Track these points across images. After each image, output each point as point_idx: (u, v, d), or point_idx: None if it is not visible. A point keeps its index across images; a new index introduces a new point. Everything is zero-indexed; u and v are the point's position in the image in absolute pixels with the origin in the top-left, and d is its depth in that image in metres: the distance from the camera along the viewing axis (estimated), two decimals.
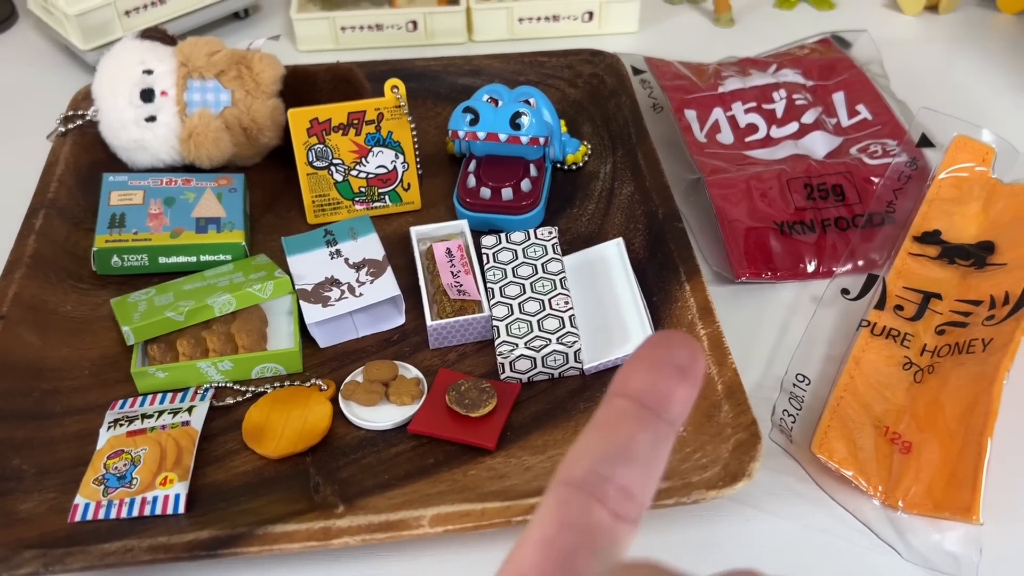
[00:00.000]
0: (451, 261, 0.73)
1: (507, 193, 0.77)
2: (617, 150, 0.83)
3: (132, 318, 0.68)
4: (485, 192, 0.77)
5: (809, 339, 0.69)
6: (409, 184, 0.80)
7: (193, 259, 0.75)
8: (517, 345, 0.65)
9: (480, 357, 0.68)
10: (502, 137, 0.75)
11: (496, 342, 0.66)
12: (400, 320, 0.71)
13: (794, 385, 0.65)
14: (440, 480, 0.60)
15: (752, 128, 0.86)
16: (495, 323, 0.67)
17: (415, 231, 0.75)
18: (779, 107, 0.86)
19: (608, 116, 0.86)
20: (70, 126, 0.83)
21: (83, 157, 0.82)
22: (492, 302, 0.68)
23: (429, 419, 0.64)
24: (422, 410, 0.64)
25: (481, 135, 0.76)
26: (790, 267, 0.74)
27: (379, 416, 0.64)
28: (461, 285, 0.71)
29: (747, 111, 0.87)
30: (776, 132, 0.85)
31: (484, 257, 0.72)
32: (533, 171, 0.79)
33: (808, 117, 0.85)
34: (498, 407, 0.64)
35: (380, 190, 0.80)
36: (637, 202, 0.77)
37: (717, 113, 0.87)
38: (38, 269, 0.73)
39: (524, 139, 0.75)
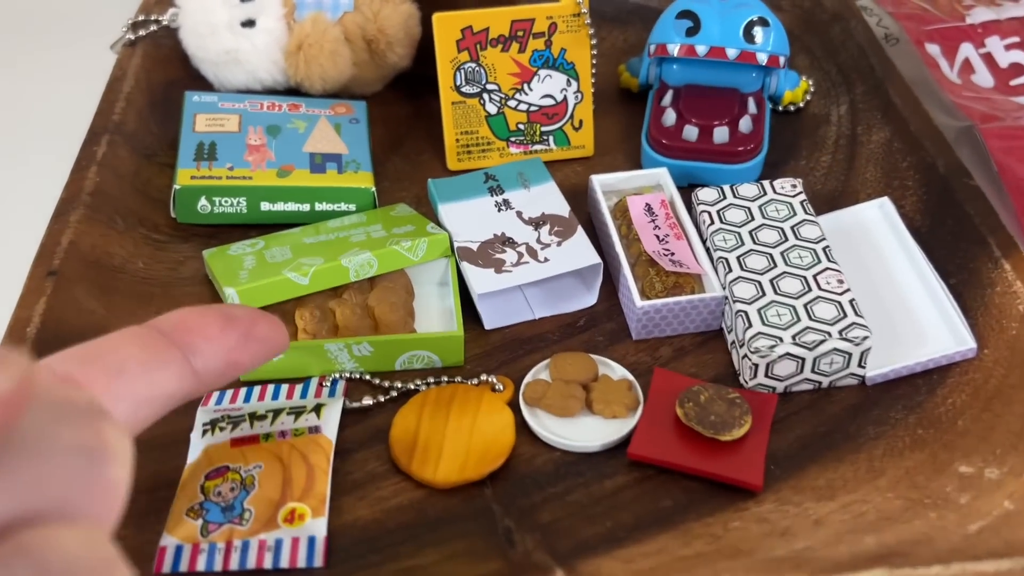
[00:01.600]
0: (653, 221, 0.54)
1: (721, 134, 0.58)
2: (854, 87, 0.63)
3: (238, 277, 0.49)
4: (690, 132, 0.58)
5: None
6: (581, 122, 0.61)
7: (306, 207, 0.56)
8: (780, 340, 0.46)
9: (705, 354, 0.49)
10: (731, 53, 0.56)
11: (742, 333, 0.47)
12: (591, 299, 0.52)
13: None
14: (692, 535, 0.41)
15: (1017, 69, 0.66)
16: (740, 307, 0.48)
17: (598, 180, 0.56)
18: None
19: (833, 46, 0.66)
20: (141, 33, 0.64)
21: (157, 73, 0.64)
22: (729, 277, 0.49)
23: (656, 440, 0.45)
24: (642, 427, 0.45)
25: (702, 49, 0.56)
26: None
27: (581, 432, 0.46)
28: (673, 253, 0.52)
29: (1008, 48, 0.67)
30: None
31: (704, 216, 0.53)
32: (752, 106, 0.60)
33: None
34: (753, 428, 0.45)
35: (543, 128, 0.61)
36: (898, 152, 0.58)
37: (967, 49, 0.68)
38: (100, 211, 0.54)
39: (762, 57, 0.56)
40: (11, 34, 0.79)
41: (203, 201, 0.55)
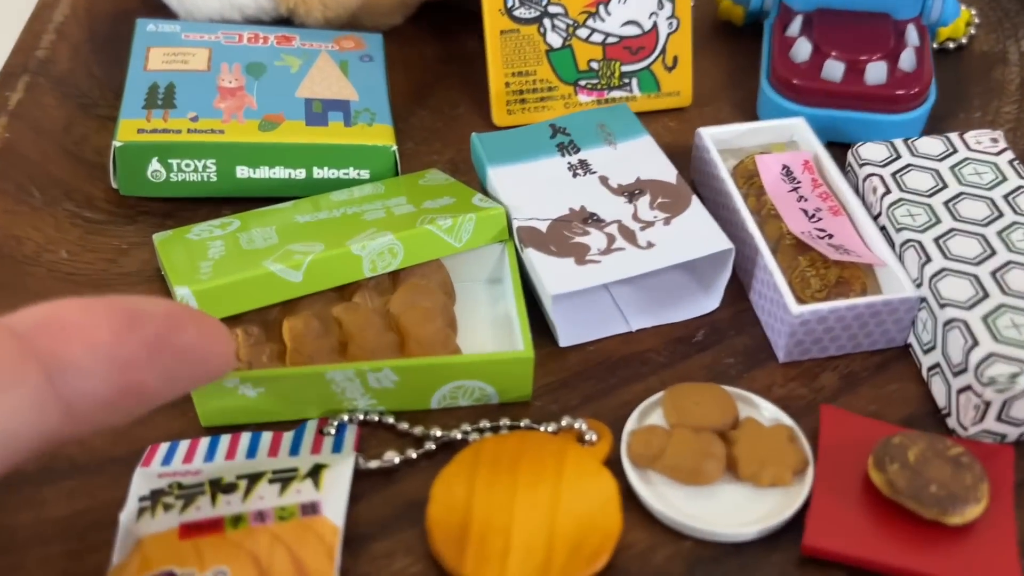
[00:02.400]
0: (796, 190, 0.38)
1: (876, 72, 0.41)
2: None
3: (196, 272, 0.33)
4: (833, 69, 0.42)
5: None
6: (676, 59, 0.45)
7: (300, 174, 0.40)
8: None
9: (885, 383, 0.33)
10: None
11: (960, 354, 0.31)
12: (711, 303, 0.36)
13: None
14: None
15: None
16: (953, 313, 0.31)
17: (708, 134, 0.40)
18: None
19: None
20: None
21: (101, 1, 0.48)
22: (929, 269, 0.33)
23: (843, 524, 0.29)
24: (818, 500, 0.29)
25: None
26: None
27: (724, 509, 0.30)
28: (831, 235, 0.36)
29: None
30: None
31: (874, 182, 0.37)
32: (914, 36, 0.43)
33: None
34: (992, 501, 0.29)
35: (625, 67, 0.45)
36: None
37: None
38: (8, 179, 0.38)
39: None
40: None
41: (155, 164, 0.39)
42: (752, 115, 0.45)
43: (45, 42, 0.44)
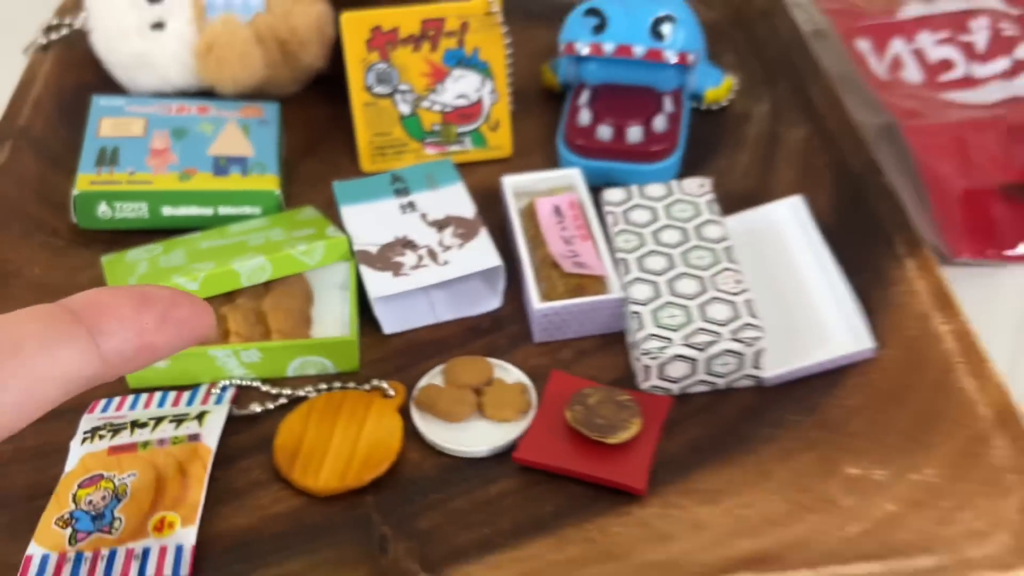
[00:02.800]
0: (561, 223, 0.53)
1: (635, 133, 0.57)
2: (777, 84, 0.62)
3: (125, 284, 0.48)
4: (604, 132, 0.57)
5: None
6: (498, 122, 0.60)
7: (209, 211, 0.55)
8: (671, 340, 0.45)
9: (606, 356, 0.48)
10: (638, 51, 0.55)
11: (635, 335, 0.46)
12: (495, 302, 0.51)
13: None
14: (568, 540, 0.40)
15: (946, 65, 0.65)
16: (634, 307, 0.46)
17: (509, 182, 0.55)
18: (979, 39, 0.66)
19: (758, 43, 0.66)
20: (53, 37, 0.64)
21: (68, 78, 0.63)
22: (627, 278, 0.48)
23: (543, 444, 0.44)
24: (532, 430, 0.44)
25: (609, 47, 0.56)
26: (1021, 242, 0.54)
27: (470, 437, 0.45)
28: (578, 255, 0.51)
29: (938, 43, 0.66)
30: (980, 70, 0.64)
31: (609, 218, 0.52)
32: (668, 105, 0.59)
33: (1022, 52, 0.65)
34: (644, 431, 0.44)
35: (459, 129, 0.60)
36: (815, 150, 0.57)
37: (897, 45, 0.66)
38: None
39: (670, 55, 0.55)
40: None
41: (103, 206, 0.54)
42: (555, 163, 0.60)
43: (25, 113, 0.59)
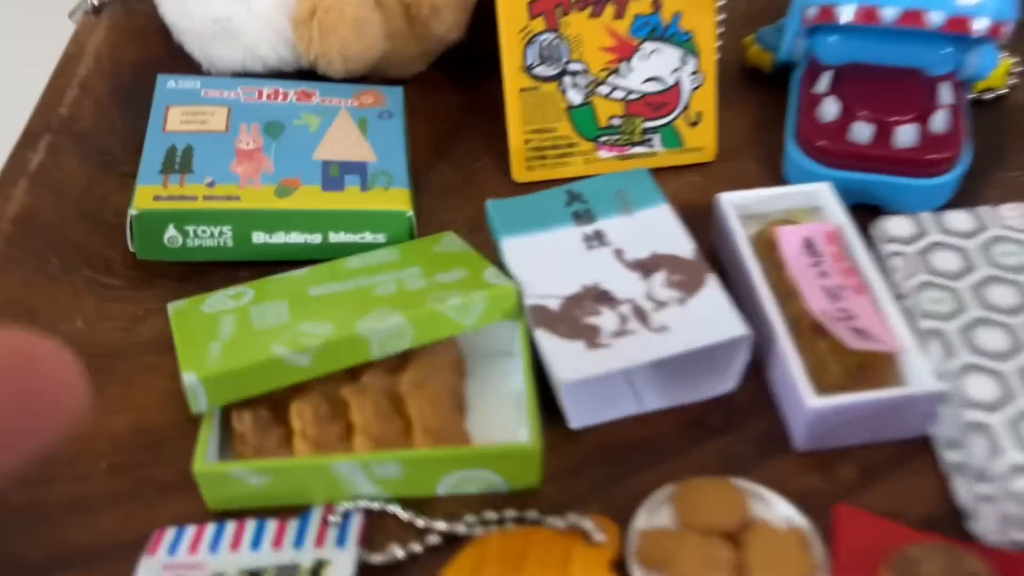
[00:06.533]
0: (818, 264, 0.37)
1: (906, 135, 0.40)
2: None
3: (205, 354, 0.33)
4: (861, 131, 0.41)
5: None
6: (700, 115, 0.44)
7: (316, 239, 0.40)
8: None
9: (908, 476, 0.32)
10: (933, 19, 0.39)
11: (984, 460, 0.30)
12: (727, 384, 0.36)
13: None
14: None
15: None
16: (975, 416, 0.30)
17: (729, 200, 0.40)
18: None
19: None
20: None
21: (126, 50, 0.48)
22: (949, 364, 0.32)
23: None
24: None
25: (889, 14, 0.39)
26: None
27: None
28: (853, 317, 0.35)
29: None
30: None
31: (897, 261, 0.36)
32: (946, 95, 0.42)
33: None
34: None
35: (647, 123, 0.44)
36: None
37: None
38: (26, 247, 0.39)
39: (980, 24, 0.39)
40: None
41: (171, 231, 0.39)
42: (777, 169, 0.44)
43: (68, 98, 0.44)
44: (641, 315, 0.35)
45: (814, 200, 0.40)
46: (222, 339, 0.34)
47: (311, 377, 0.33)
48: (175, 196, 0.39)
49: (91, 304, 0.38)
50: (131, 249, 0.39)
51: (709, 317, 0.34)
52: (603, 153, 0.44)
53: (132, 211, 0.38)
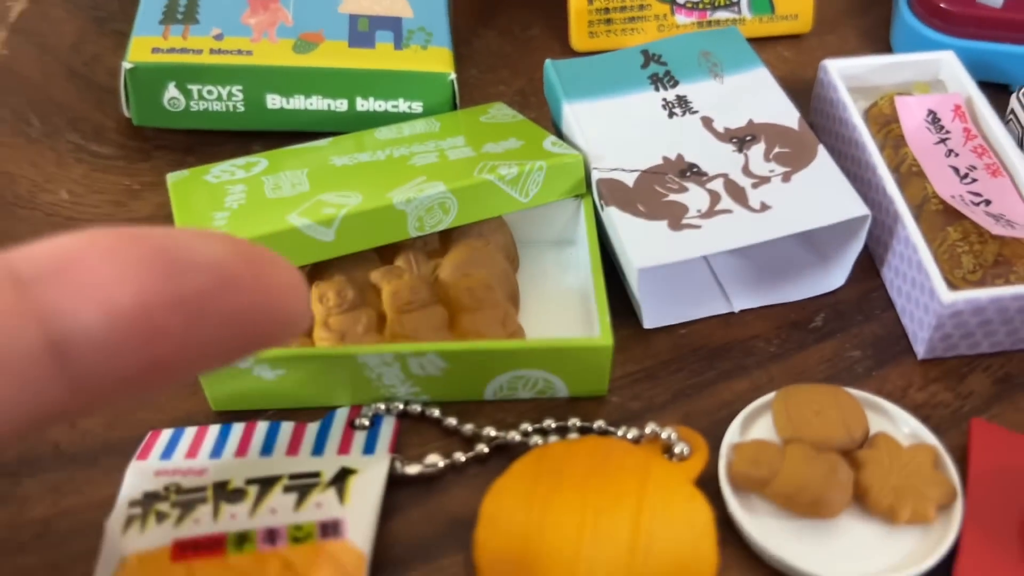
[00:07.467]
0: (944, 141, 0.31)
1: None
2: None
3: (208, 225, 0.28)
4: None
5: None
6: None
7: (342, 105, 0.34)
8: None
9: None
10: None
11: None
12: (835, 280, 0.30)
13: None
14: None
15: None
16: None
17: (836, 67, 0.33)
18: None
19: None
20: None
21: None
22: None
23: (999, 573, 0.23)
24: (968, 543, 0.23)
25: None
26: None
27: (850, 549, 0.24)
28: (989, 201, 0.29)
29: None
30: None
31: None
32: None
33: None
34: None
35: None
36: None
37: None
38: (4, 107, 0.33)
39: None
40: None
41: (172, 90, 0.33)
42: (884, 45, 0.38)
43: None
44: (737, 192, 0.28)
45: (935, 72, 0.34)
46: (229, 208, 0.28)
47: (334, 256, 0.28)
48: (176, 49, 0.33)
49: (78, 174, 0.33)
50: (126, 114, 0.34)
51: (821, 195, 0.28)
52: (681, 18, 0.38)
53: (126, 64, 0.32)
